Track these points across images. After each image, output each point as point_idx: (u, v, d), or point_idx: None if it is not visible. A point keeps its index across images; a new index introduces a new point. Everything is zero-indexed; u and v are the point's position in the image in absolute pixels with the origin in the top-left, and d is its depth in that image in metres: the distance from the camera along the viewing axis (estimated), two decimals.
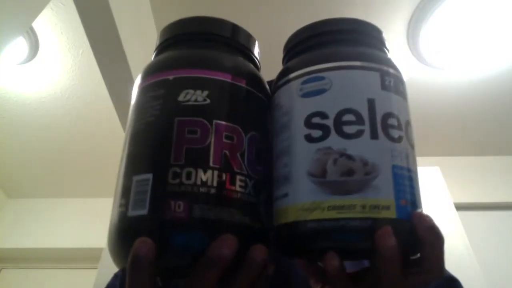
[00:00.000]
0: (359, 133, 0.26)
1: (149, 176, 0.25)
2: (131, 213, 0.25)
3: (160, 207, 0.24)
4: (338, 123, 0.27)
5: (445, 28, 1.42)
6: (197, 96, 0.27)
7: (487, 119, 1.85)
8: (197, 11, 1.54)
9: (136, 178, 0.26)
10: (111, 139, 1.88)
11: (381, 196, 0.25)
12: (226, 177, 0.25)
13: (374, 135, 0.27)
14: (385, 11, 1.43)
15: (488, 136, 1.94)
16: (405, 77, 0.33)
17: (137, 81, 0.32)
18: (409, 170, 0.27)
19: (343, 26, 0.33)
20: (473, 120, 1.85)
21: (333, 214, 0.24)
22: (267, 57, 1.75)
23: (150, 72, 0.31)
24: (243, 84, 0.30)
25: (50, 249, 1.99)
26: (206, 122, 0.26)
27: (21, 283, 2.00)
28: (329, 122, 0.27)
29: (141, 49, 1.37)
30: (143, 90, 0.30)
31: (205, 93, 0.27)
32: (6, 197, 2.24)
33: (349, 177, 0.25)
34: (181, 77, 0.28)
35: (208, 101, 0.27)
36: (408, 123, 0.29)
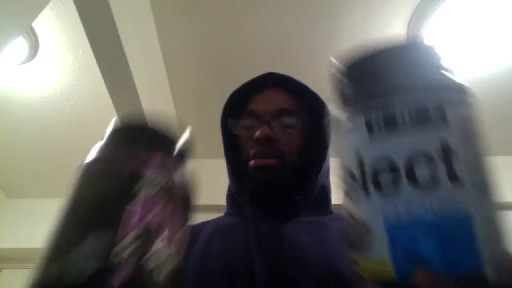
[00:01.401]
0: (352, 192, 0.26)
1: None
2: None
3: None
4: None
5: (445, 28, 1.42)
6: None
7: (487, 119, 1.84)
8: (197, 11, 1.55)
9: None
10: None
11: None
12: None
13: (367, 193, 0.25)
14: (385, 11, 1.43)
15: (487, 136, 1.94)
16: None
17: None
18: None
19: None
20: None
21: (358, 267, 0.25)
22: (267, 57, 1.76)
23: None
24: None
25: None
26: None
27: (21, 283, 2.00)
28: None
29: (141, 49, 1.37)
30: None
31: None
32: (6, 197, 2.24)
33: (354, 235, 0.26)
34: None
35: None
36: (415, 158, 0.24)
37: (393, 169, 0.23)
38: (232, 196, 0.66)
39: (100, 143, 0.33)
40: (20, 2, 0.81)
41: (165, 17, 1.48)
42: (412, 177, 0.23)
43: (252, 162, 0.58)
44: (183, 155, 0.34)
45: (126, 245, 0.24)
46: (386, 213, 0.23)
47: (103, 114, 1.77)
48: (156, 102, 1.60)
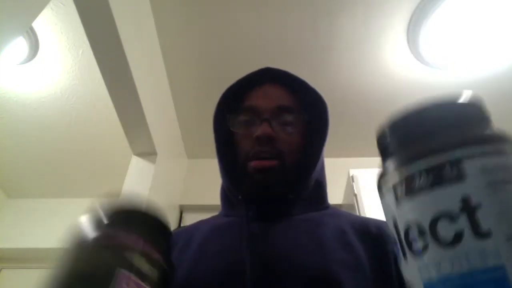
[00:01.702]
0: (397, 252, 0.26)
1: None
2: None
3: None
4: None
5: (445, 28, 1.42)
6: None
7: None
8: (197, 11, 1.54)
9: None
10: (111, 139, 1.88)
11: None
12: None
13: (404, 254, 0.25)
14: (385, 11, 1.43)
15: None
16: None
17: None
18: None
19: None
20: None
21: None
22: (267, 57, 1.75)
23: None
24: None
25: (50, 249, 1.99)
26: None
27: (21, 283, 2.00)
28: None
29: (141, 49, 1.37)
30: None
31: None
32: (6, 197, 2.24)
33: None
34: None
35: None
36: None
37: (421, 231, 0.24)
38: (225, 194, 0.65)
39: (84, 222, 0.34)
40: (20, 2, 0.81)
41: (165, 17, 1.48)
42: (437, 238, 0.23)
43: (252, 163, 0.56)
44: (163, 238, 0.36)
45: None
46: (421, 273, 0.24)
47: (103, 114, 1.77)
48: (156, 102, 1.60)
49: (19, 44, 1.45)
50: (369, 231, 0.54)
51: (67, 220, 2.23)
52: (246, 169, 0.57)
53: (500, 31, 1.41)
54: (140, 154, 1.63)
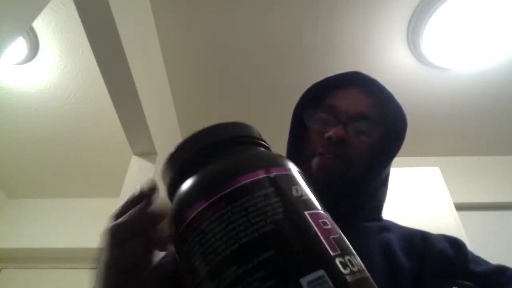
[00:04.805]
0: None
1: (322, 272, 0.23)
2: None
3: None
4: None
5: (445, 28, 1.42)
6: (301, 191, 0.27)
7: (487, 119, 1.85)
8: (197, 12, 1.54)
9: (305, 279, 0.23)
10: (111, 139, 1.88)
11: None
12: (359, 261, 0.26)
13: None
14: (385, 10, 1.43)
15: (487, 136, 1.94)
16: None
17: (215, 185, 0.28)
18: None
19: None
20: (473, 120, 1.85)
21: None
22: (268, 58, 1.74)
23: (241, 172, 0.28)
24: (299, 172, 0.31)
25: (50, 249, 1.99)
26: (325, 213, 0.27)
27: (21, 283, 2.00)
28: None
29: (141, 49, 1.37)
30: (240, 191, 0.27)
31: (300, 188, 0.27)
32: (6, 197, 2.24)
33: None
34: (280, 174, 0.28)
35: (307, 195, 0.28)
36: None
37: None
38: None
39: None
40: (20, 2, 0.81)
41: (165, 17, 1.48)
42: None
43: (316, 159, 0.56)
44: None
45: None
46: None
47: (103, 114, 1.77)
48: (156, 102, 1.60)
49: (19, 44, 1.45)
50: (415, 244, 0.54)
51: (67, 220, 2.23)
52: (310, 165, 0.57)
53: (501, 31, 1.41)
54: (140, 154, 1.63)
